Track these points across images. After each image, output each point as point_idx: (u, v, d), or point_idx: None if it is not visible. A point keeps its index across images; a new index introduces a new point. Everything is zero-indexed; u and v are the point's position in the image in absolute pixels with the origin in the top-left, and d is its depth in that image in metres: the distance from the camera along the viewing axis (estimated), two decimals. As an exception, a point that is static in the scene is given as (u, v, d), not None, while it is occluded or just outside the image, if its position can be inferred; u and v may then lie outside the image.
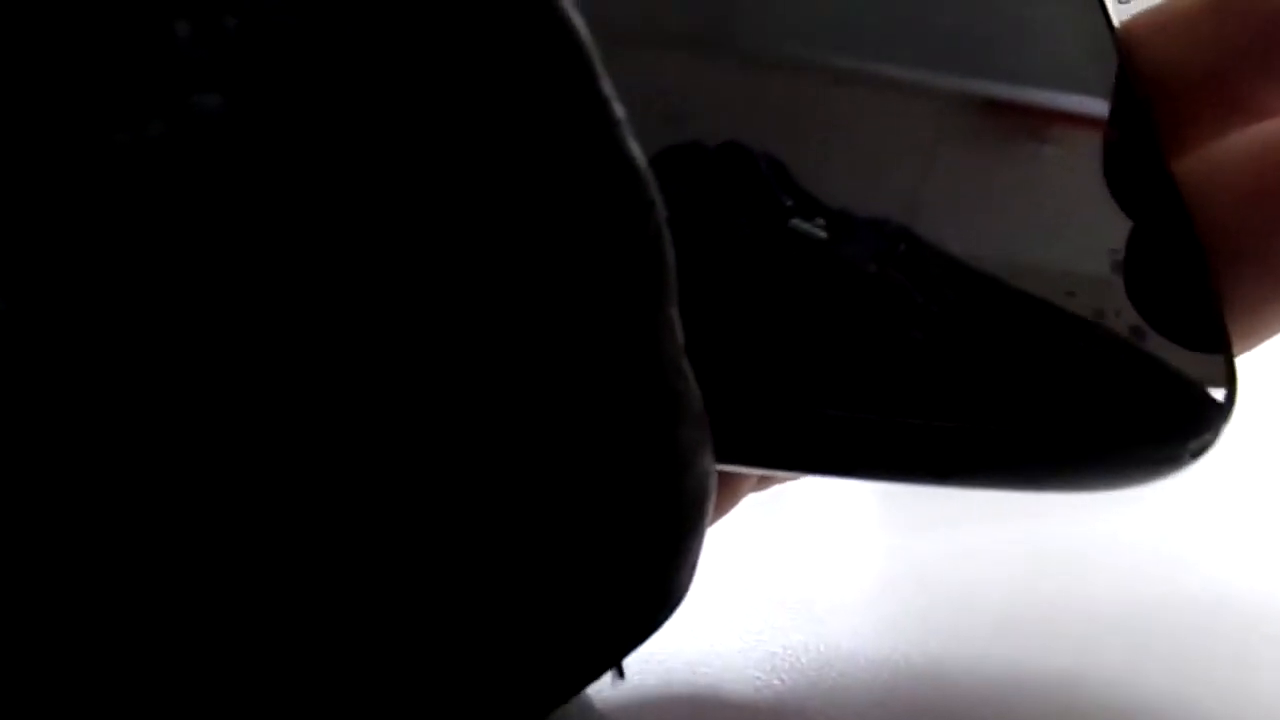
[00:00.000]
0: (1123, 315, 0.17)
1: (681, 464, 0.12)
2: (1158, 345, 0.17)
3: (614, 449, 0.12)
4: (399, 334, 0.11)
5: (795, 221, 0.16)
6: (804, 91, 0.18)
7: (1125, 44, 0.20)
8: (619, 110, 0.12)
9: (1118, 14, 0.20)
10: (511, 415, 0.11)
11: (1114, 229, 0.18)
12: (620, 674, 0.16)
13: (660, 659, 0.21)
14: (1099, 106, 0.19)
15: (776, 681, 0.20)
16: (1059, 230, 0.18)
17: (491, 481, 0.11)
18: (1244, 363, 0.18)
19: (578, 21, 0.12)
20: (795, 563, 0.24)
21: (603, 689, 0.19)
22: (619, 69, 0.12)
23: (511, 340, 0.11)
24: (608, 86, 0.12)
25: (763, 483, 0.21)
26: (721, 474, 0.13)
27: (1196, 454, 0.17)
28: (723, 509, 0.20)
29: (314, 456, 0.11)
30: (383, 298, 0.11)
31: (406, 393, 0.11)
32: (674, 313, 0.12)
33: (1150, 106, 0.19)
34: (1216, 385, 0.17)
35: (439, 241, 0.11)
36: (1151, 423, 0.17)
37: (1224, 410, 0.17)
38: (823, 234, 0.17)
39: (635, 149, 0.12)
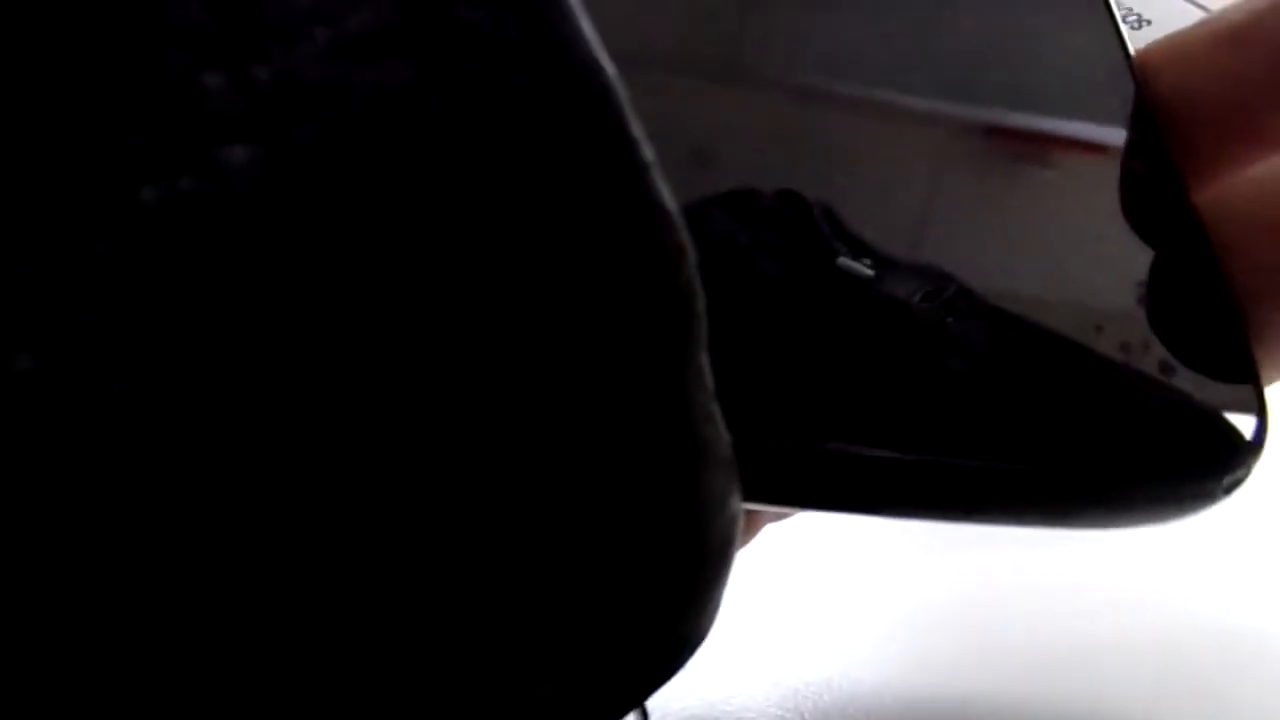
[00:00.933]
0: (1150, 348, 0.17)
1: (706, 512, 0.12)
2: (1186, 378, 0.17)
3: (638, 498, 0.12)
4: (423, 381, 0.11)
5: (839, 260, 0.16)
6: (820, 122, 0.18)
7: (1142, 72, 0.20)
8: (649, 153, 0.12)
9: (1134, 42, 0.20)
10: (532, 465, 0.11)
11: (1136, 261, 0.18)
12: (644, 716, 0.16)
13: (679, 697, 0.21)
14: (1116, 135, 0.19)
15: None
16: (1082, 262, 0.18)
17: (511, 528, 0.11)
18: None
19: (604, 60, 0.11)
20: (817, 596, 0.24)
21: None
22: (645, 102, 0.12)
23: (532, 391, 0.11)
24: (637, 128, 0.12)
25: (783, 513, 0.21)
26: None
27: (1229, 489, 0.17)
28: (742, 542, 0.20)
29: (336, 490, 0.11)
30: (409, 346, 0.11)
31: (426, 439, 0.11)
32: (704, 359, 0.12)
33: (1167, 135, 0.19)
34: (1247, 417, 0.17)
35: (464, 290, 0.11)
36: (1183, 458, 0.17)
37: (1256, 444, 0.17)
38: (851, 272, 0.16)
39: (665, 193, 0.12)
